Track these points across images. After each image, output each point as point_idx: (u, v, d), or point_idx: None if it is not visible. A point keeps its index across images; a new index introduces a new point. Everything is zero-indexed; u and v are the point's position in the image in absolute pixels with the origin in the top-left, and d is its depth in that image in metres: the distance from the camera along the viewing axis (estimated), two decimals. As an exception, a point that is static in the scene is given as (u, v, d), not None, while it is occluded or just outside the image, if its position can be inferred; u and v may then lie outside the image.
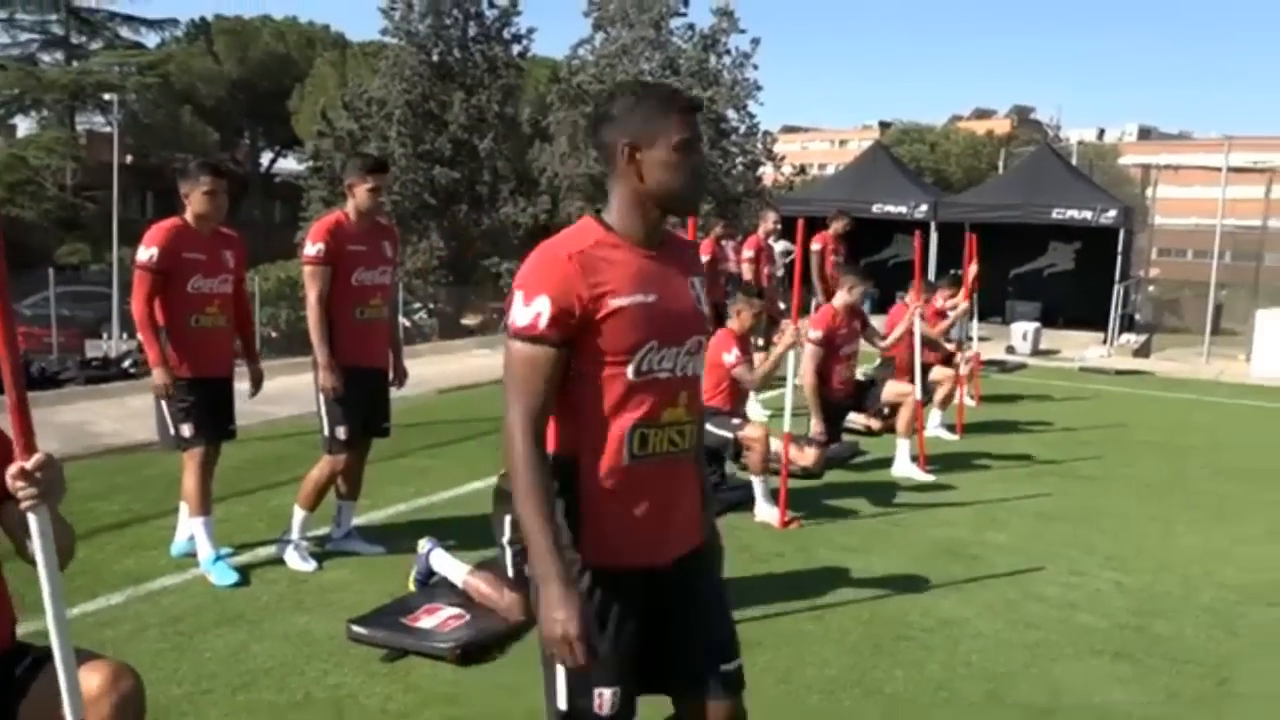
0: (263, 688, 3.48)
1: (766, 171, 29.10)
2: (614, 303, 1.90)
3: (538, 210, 27.01)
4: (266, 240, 26.80)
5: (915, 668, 3.84)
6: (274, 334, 22.32)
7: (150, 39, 38.66)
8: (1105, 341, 15.49)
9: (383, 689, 3.49)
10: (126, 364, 14.51)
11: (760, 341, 8.58)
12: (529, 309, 1.89)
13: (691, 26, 26.92)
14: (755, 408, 7.69)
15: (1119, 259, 16.15)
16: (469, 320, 25.67)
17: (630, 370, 1.94)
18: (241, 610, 4.10)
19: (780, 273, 10.79)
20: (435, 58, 26.79)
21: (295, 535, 4.64)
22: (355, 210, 4.57)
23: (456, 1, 26.49)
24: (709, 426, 5.69)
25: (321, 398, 4.55)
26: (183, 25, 40.22)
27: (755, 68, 26.93)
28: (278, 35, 40.51)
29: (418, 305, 26.20)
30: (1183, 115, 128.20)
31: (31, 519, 1.87)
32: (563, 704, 2.01)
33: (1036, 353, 14.57)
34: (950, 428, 8.29)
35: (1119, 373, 13.01)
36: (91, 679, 2.06)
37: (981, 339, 10.92)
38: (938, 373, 8.14)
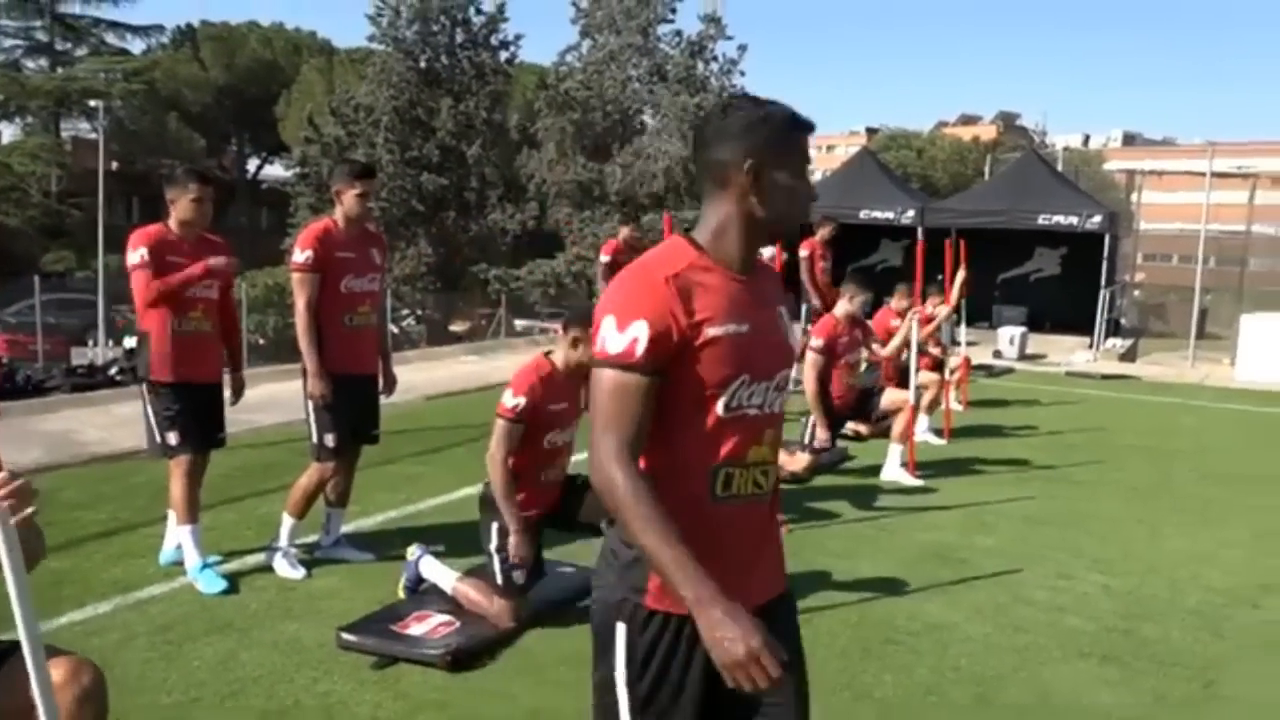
0: (252, 696, 3.47)
1: (754, 177, 29.14)
2: (710, 331, 1.77)
3: (526, 216, 27.00)
4: (253, 247, 26.72)
5: (904, 671, 3.86)
6: (261, 341, 22.24)
7: (136, 45, 38.56)
8: (1091, 346, 15.57)
9: (373, 696, 3.49)
10: (113, 372, 14.45)
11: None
12: (623, 335, 1.74)
13: (679, 33, 26.97)
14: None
15: (1104, 264, 16.26)
16: (457, 327, 25.64)
17: (720, 405, 1.80)
18: (230, 618, 4.09)
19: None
20: (423, 64, 26.77)
21: (284, 543, 4.63)
22: (344, 217, 4.57)
23: (444, 8, 26.48)
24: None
25: (310, 405, 4.54)
26: (169, 31, 40.04)
27: (743, 74, 27.01)
28: (264, 41, 40.39)
29: (406, 312, 26.15)
30: (1167, 121, 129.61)
31: None
32: None
33: (1023, 357, 14.65)
34: (938, 432, 8.32)
35: (1105, 377, 13.08)
36: (52, 673, 2.05)
37: (969, 344, 10.96)
38: (924, 377, 8.17)
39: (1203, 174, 16.33)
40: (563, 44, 28.14)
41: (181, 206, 4.38)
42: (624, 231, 10.25)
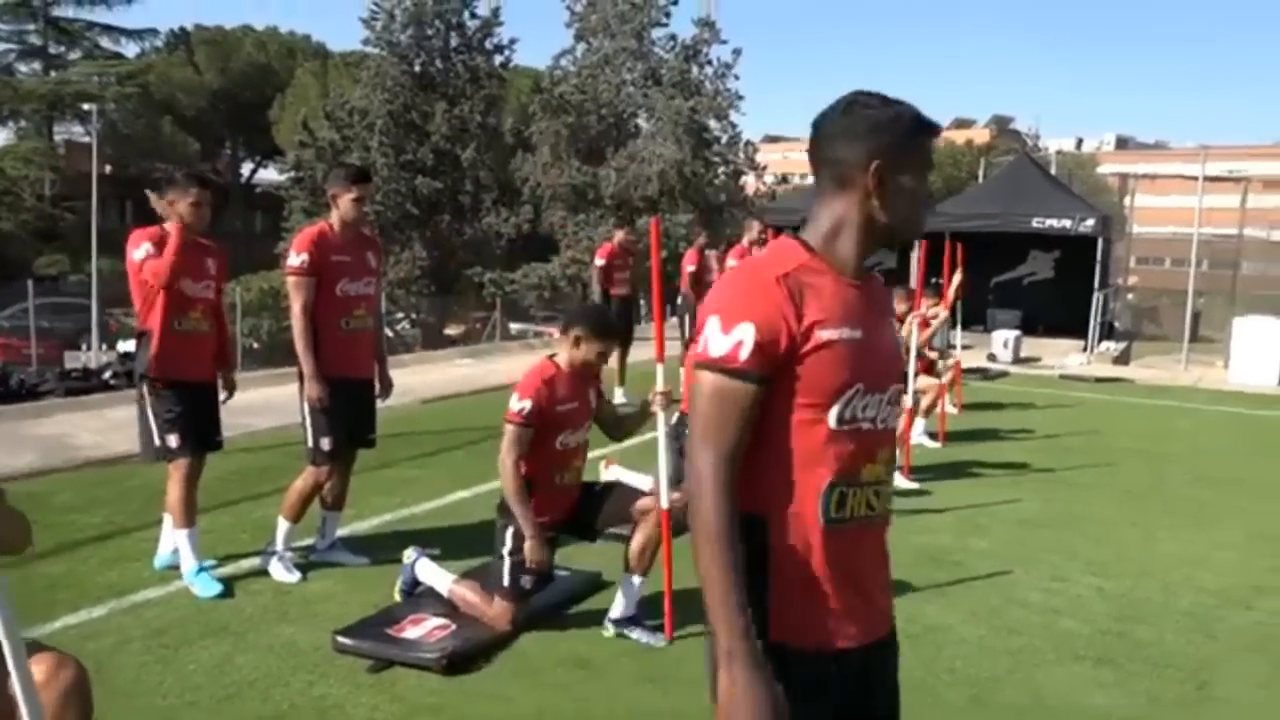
0: (248, 699, 3.47)
1: (749, 181, 29.21)
2: (823, 334, 1.66)
3: (520, 220, 27.03)
4: (248, 251, 26.73)
5: (899, 673, 3.85)
6: (255, 345, 22.22)
7: (130, 49, 38.51)
8: (1085, 349, 15.61)
9: (368, 699, 3.49)
10: (107, 375, 14.43)
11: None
12: (728, 337, 1.64)
13: (673, 37, 27.03)
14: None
15: (1098, 267, 16.31)
16: (452, 330, 25.62)
17: (832, 417, 1.68)
18: (226, 622, 4.09)
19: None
20: (417, 68, 26.81)
21: (279, 546, 4.63)
22: (339, 220, 4.57)
23: (438, 12, 26.51)
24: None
25: (306, 408, 4.54)
26: (163, 35, 40.03)
27: (737, 78, 27.06)
28: (259, 45, 40.41)
29: (400, 315, 26.14)
30: (1160, 125, 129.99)
31: None
32: None
33: (1017, 360, 14.68)
34: (933, 435, 8.34)
35: (1099, 380, 13.13)
36: (34, 670, 2.02)
37: (964, 347, 10.99)
38: (922, 381, 8.18)
39: (1195, 178, 16.38)
40: (557, 48, 28.27)
41: (180, 210, 4.39)
42: (619, 235, 10.28)
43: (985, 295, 17.84)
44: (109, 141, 33.49)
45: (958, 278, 8.54)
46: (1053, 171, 21.95)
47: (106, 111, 33.17)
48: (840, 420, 1.69)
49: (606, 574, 4.47)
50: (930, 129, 1.78)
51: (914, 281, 7.83)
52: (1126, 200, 22.91)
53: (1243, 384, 13.07)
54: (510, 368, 11.83)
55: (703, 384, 1.67)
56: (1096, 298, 15.97)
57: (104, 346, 21.18)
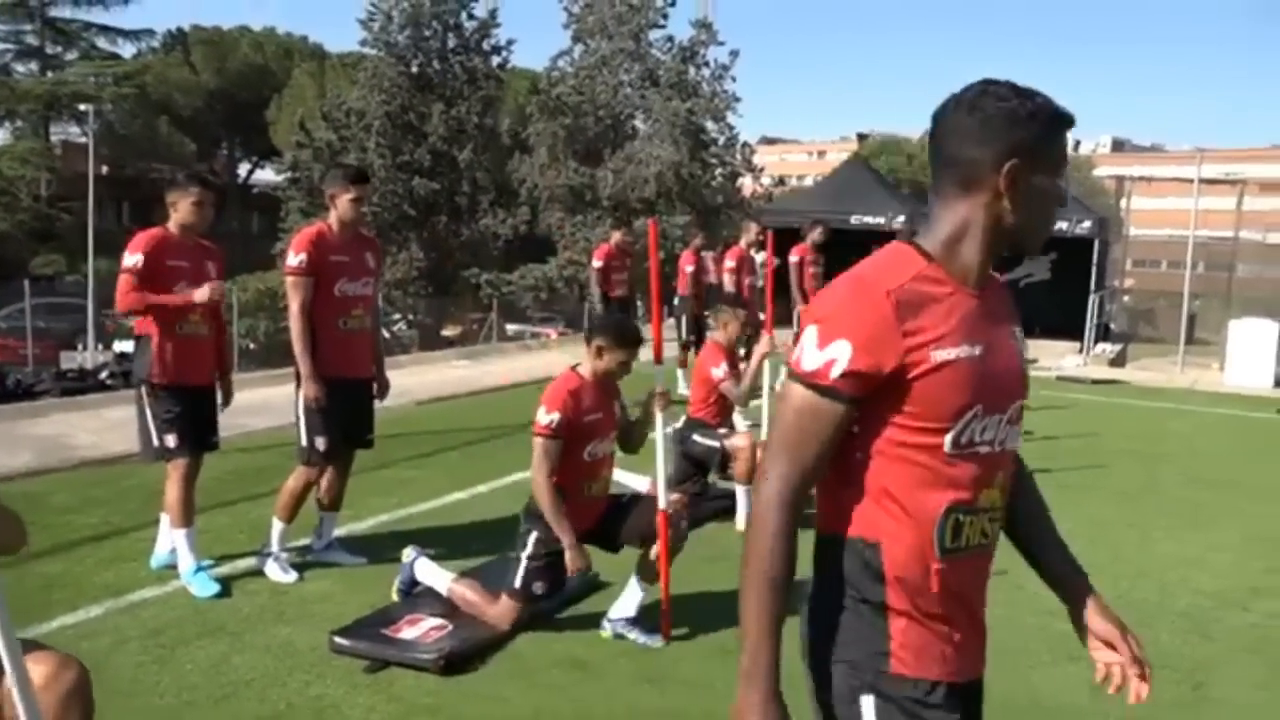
0: (244, 699, 3.47)
1: (745, 183, 29.26)
2: (938, 355, 1.53)
3: (517, 221, 27.06)
4: (245, 251, 26.74)
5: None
6: (252, 346, 22.21)
7: (126, 49, 38.52)
8: (1081, 351, 15.63)
9: (365, 700, 3.49)
10: (103, 375, 14.42)
11: (742, 351, 8.62)
12: (822, 353, 1.52)
13: (671, 39, 27.10)
14: (736, 418, 7.71)
15: (1094, 269, 16.34)
16: (449, 331, 25.63)
17: (948, 441, 1.56)
18: (223, 622, 4.09)
19: (760, 284, 10.85)
20: (414, 69, 26.82)
21: (275, 547, 4.63)
22: (338, 221, 4.58)
23: (436, 13, 26.53)
24: (695, 437, 5.72)
25: (302, 408, 4.54)
26: (160, 35, 40.08)
27: (734, 80, 27.16)
28: (256, 46, 40.39)
29: (397, 316, 26.15)
30: (1156, 127, 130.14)
31: None
32: None
33: (1014, 362, 14.67)
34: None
35: (1095, 382, 13.14)
36: (35, 671, 2.04)
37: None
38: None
39: (1191, 180, 16.40)
40: (554, 49, 28.25)
41: (183, 209, 4.40)
42: (616, 236, 10.28)
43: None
44: (105, 142, 33.48)
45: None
46: (1049, 173, 21.94)
47: (103, 112, 33.14)
48: (956, 444, 1.57)
49: (604, 575, 4.47)
50: (1067, 121, 1.62)
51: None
52: (1123, 202, 22.93)
53: (1238, 386, 13.09)
54: (507, 369, 11.85)
55: (790, 395, 1.58)
56: (1093, 300, 15.99)
57: (100, 347, 21.19)
